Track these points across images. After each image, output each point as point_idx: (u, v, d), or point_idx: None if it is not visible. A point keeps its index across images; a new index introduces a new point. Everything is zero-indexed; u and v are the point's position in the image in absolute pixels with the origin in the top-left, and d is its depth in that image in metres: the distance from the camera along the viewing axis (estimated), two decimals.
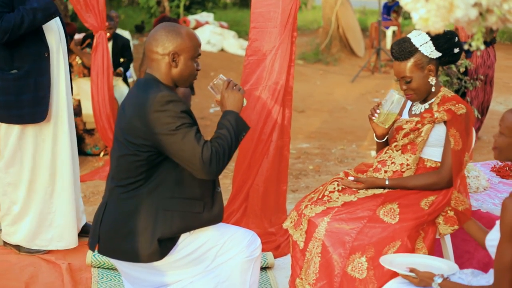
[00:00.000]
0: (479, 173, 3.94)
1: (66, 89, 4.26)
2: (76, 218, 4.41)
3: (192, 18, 14.93)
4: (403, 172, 3.33)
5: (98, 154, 7.14)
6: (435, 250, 3.22)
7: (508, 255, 2.28)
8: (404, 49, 3.27)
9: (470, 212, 3.19)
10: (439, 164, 3.31)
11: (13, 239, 4.32)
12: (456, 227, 3.21)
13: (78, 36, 7.50)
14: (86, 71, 7.28)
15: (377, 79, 12.18)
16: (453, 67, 6.42)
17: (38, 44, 4.08)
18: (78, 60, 7.29)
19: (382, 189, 3.31)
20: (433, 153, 3.34)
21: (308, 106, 10.16)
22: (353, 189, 3.34)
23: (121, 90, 7.43)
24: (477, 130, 7.44)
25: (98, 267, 4.12)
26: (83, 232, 4.50)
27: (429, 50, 3.25)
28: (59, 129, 4.25)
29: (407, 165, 3.33)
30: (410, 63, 3.27)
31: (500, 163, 4.28)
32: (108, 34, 6.06)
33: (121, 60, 7.82)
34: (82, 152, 7.11)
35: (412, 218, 3.12)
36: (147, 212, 2.92)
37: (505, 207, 2.28)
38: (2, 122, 4.11)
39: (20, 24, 3.89)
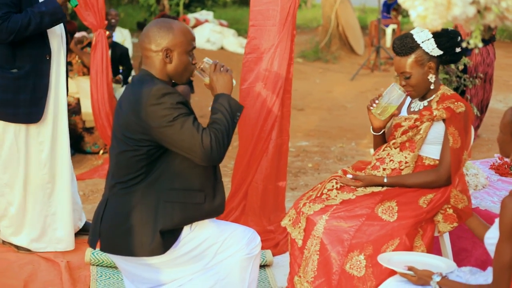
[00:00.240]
0: (478, 171, 3.95)
1: (64, 91, 4.27)
2: (74, 218, 4.41)
3: (191, 16, 14.92)
4: (402, 170, 3.33)
5: (98, 153, 7.14)
6: (433, 248, 3.22)
7: (507, 254, 2.28)
8: (405, 44, 3.26)
9: (470, 210, 3.19)
10: (437, 162, 3.31)
11: (12, 241, 4.32)
12: (455, 224, 3.21)
13: (78, 35, 7.48)
14: (86, 69, 7.28)
15: (376, 77, 12.17)
16: (452, 65, 6.43)
17: (41, 46, 4.09)
18: (77, 58, 7.29)
19: (381, 187, 3.30)
20: (431, 151, 3.34)
21: (308, 104, 10.16)
22: (352, 187, 3.34)
23: (121, 91, 7.42)
24: (477, 128, 7.44)
25: (97, 265, 4.12)
26: (83, 230, 4.50)
27: (431, 48, 3.25)
28: (58, 130, 4.26)
29: (406, 162, 3.33)
30: (410, 59, 3.27)
31: (499, 161, 4.28)
32: (107, 33, 6.05)
33: (120, 68, 7.80)
34: (81, 150, 7.12)
35: (411, 216, 3.12)
36: (148, 205, 2.92)
37: (504, 206, 2.28)
38: None
39: (26, 26, 3.90)
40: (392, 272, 2.86)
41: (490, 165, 4.31)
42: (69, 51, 4.34)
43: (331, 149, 7.66)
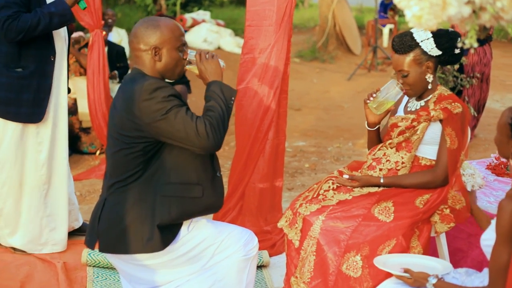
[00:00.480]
0: (474, 171, 3.94)
1: (65, 93, 4.29)
2: (69, 218, 4.42)
3: (188, 16, 14.90)
4: (398, 170, 3.33)
5: (94, 153, 7.13)
6: (429, 248, 3.22)
7: (503, 257, 2.27)
8: (404, 42, 3.26)
9: (468, 210, 3.19)
10: (433, 162, 3.31)
11: (7, 242, 4.31)
12: (452, 224, 3.22)
13: (75, 35, 7.48)
14: (83, 70, 7.27)
15: (373, 77, 12.17)
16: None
17: (47, 47, 4.11)
18: (74, 59, 7.28)
19: (377, 187, 3.30)
20: (428, 151, 3.34)
21: (305, 104, 10.16)
22: (348, 187, 3.34)
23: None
24: (473, 128, 7.44)
25: (94, 266, 4.11)
26: (81, 231, 4.49)
27: (430, 47, 3.25)
28: (57, 132, 4.26)
29: (402, 163, 3.33)
30: (409, 57, 3.27)
31: (496, 161, 4.28)
32: (104, 33, 6.04)
33: (118, 65, 7.80)
34: (78, 150, 7.11)
35: (407, 216, 3.12)
36: (145, 201, 2.92)
37: (501, 208, 2.27)
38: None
39: (35, 26, 3.91)
40: (389, 273, 2.85)
41: (487, 165, 4.31)
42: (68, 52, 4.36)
43: (328, 149, 7.66)
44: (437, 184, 3.24)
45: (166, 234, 2.93)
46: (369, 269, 3.04)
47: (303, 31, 17.03)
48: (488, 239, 2.40)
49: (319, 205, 3.22)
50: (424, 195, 3.22)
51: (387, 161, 3.37)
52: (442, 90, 3.36)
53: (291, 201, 3.41)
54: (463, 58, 6.54)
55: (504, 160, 3.95)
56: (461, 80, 6.77)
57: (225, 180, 5.14)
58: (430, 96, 3.35)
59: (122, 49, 8.04)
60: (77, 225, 4.55)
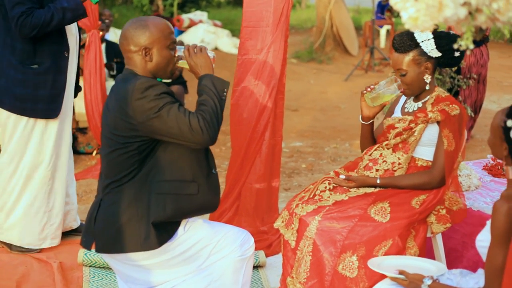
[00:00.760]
0: (470, 171, 3.95)
1: (73, 90, 4.34)
2: (68, 218, 4.44)
3: (185, 17, 14.90)
4: (395, 171, 3.33)
5: (91, 153, 7.13)
6: (426, 248, 3.22)
7: (498, 259, 2.26)
8: (405, 41, 3.26)
9: (465, 211, 3.20)
10: (430, 163, 3.31)
11: (6, 237, 4.31)
12: (448, 225, 3.23)
13: None
14: (80, 70, 7.26)
15: (370, 77, 12.18)
16: None
17: (60, 43, 4.15)
18: None
19: (373, 188, 3.30)
20: (424, 152, 3.34)
21: (302, 104, 10.16)
22: (344, 187, 3.34)
23: None
24: (470, 128, 7.45)
25: (90, 266, 4.11)
26: (77, 231, 4.50)
27: (429, 48, 3.25)
28: (64, 127, 4.30)
29: (399, 164, 3.33)
30: (408, 57, 3.27)
31: (492, 162, 4.29)
32: (101, 33, 6.04)
33: (115, 60, 7.81)
34: (75, 150, 7.08)
35: (403, 217, 3.12)
36: (141, 199, 2.92)
37: (495, 210, 2.26)
38: (15, 113, 4.13)
39: (49, 22, 3.95)
40: (384, 274, 2.85)
41: (483, 166, 4.32)
42: None
43: (325, 149, 7.66)
44: (433, 185, 3.24)
45: (162, 233, 2.92)
46: (365, 269, 3.04)
47: (300, 32, 17.04)
48: (483, 240, 2.39)
49: (316, 206, 3.22)
50: (420, 195, 3.23)
51: (383, 161, 3.37)
52: (440, 91, 3.36)
53: (288, 201, 3.42)
54: None
55: (500, 161, 3.96)
56: (458, 81, 6.77)
57: (221, 180, 5.14)
58: (428, 97, 3.35)
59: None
60: (75, 225, 4.56)
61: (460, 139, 3.25)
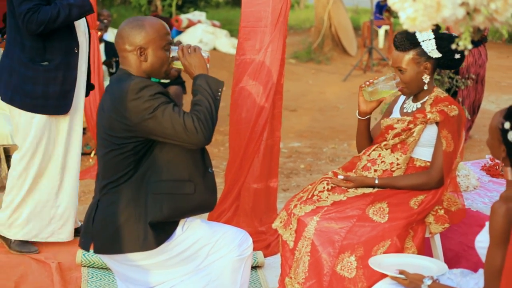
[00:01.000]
0: (469, 172, 3.95)
1: (84, 87, 4.35)
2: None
3: (184, 17, 14.91)
4: (393, 171, 3.33)
5: (90, 153, 7.12)
6: (424, 249, 3.22)
7: (497, 260, 2.26)
8: (405, 40, 3.26)
9: (464, 212, 3.20)
10: (428, 163, 3.31)
11: (11, 233, 4.30)
12: (447, 225, 3.23)
13: None
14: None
15: (369, 78, 12.13)
16: None
17: (70, 39, 4.16)
18: None
19: (372, 188, 3.30)
20: (423, 153, 3.34)
21: (300, 105, 10.16)
22: (343, 188, 3.34)
23: None
24: (469, 129, 7.45)
25: (88, 266, 4.11)
26: (76, 232, 4.50)
27: (430, 48, 3.24)
28: (74, 124, 4.31)
29: (397, 164, 3.33)
30: (408, 55, 3.27)
31: (490, 162, 4.29)
32: (99, 33, 6.04)
33: (114, 59, 7.82)
34: None
35: (402, 217, 3.12)
36: (138, 200, 2.92)
37: (494, 211, 2.26)
38: (26, 110, 4.14)
39: (56, 18, 3.96)
40: (384, 274, 2.85)
41: (482, 166, 4.32)
42: None
43: (323, 150, 7.66)
44: (432, 186, 3.24)
45: (160, 233, 2.92)
46: (363, 269, 3.04)
47: (299, 32, 17.05)
48: (482, 241, 2.39)
49: (314, 206, 3.22)
50: (418, 196, 3.23)
51: (382, 162, 3.37)
52: (439, 92, 3.36)
53: (286, 202, 3.41)
54: None
55: (498, 161, 3.96)
56: (456, 81, 6.77)
57: (220, 180, 5.15)
58: (427, 97, 3.35)
59: None
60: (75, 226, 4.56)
61: (459, 140, 3.25)
